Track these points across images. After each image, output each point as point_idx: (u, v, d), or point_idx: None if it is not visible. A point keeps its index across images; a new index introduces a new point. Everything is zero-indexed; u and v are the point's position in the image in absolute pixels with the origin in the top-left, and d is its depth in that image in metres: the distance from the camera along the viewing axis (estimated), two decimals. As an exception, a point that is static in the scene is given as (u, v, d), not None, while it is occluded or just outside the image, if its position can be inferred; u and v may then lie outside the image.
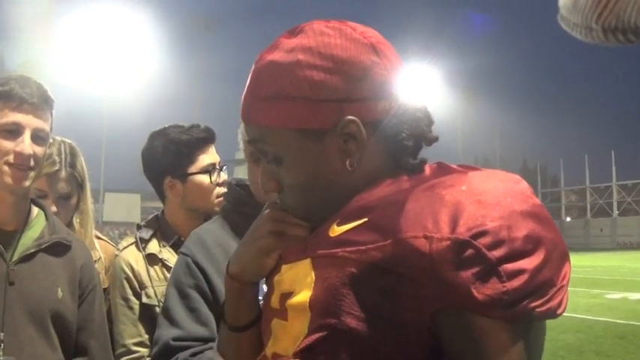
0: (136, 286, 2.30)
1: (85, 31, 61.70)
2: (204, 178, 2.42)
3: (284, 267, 1.06)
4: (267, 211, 1.13)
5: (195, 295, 1.66)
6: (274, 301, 1.05)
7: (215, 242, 1.73)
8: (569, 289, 0.90)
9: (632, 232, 79.05)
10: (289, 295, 1.00)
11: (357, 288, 0.91)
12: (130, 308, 2.28)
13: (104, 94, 66.35)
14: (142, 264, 2.34)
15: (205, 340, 1.59)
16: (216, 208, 2.34)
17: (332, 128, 1.00)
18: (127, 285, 2.31)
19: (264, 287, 1.16)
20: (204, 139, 2.47)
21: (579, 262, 32.92)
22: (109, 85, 65.87)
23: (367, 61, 1.00)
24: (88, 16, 61.96)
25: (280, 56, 1.02)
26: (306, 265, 0.99)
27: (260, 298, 1.19)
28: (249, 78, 1.06)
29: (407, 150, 1.04)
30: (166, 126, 2.52)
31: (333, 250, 0.95)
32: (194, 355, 1.56)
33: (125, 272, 2.32)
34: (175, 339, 1.60)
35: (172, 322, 1.63)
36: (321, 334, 0.92)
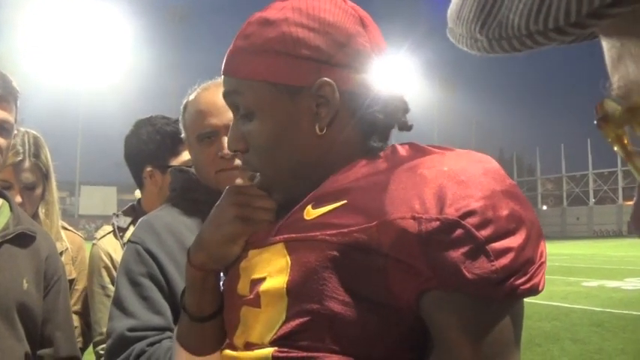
0: (114, 274, 2.30)
1: (60, 24, 61.22)
2: None
3: (252, 252, 1.03)
4: (228, 195, 1.10)
5: (147, 283, 1.60)
6: (242, 288, 1.02)
7: (165, 229, 1.68)
8: (545, 276, 0.90)
9: (608, 221, 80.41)
10: (261, 281, 0.97)
11: (340, 271, 0.89)
12: (108, 296, 2.27)
13: (80, 87, 65.98)
14: (120, 252, 2.32)
15: (161, 330, 1.54)
16: None
17: (307, 88, 1.00)
18: (105, 273, 2.33)
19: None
20: None
21: (556, 251, 33.37)
22: (85, 78, 65.56)
23: (352, 29, 1.02)
24: (63, 10, 61.43)
25: (270, 13, 1.03)
26: (278, 249, 0.97)
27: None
28: (238, 32, 1.07)
29: (377, 124, 1.04)
30: (152, 115, 2.56)
31: (311, 234, 0.93)
32: (151, 345, 1.50)
33: (103, 261, 2.35)
34: (130, 329, 1.53)
35: (126, 312, 1.57)
36: (301, 319, 0.90)
